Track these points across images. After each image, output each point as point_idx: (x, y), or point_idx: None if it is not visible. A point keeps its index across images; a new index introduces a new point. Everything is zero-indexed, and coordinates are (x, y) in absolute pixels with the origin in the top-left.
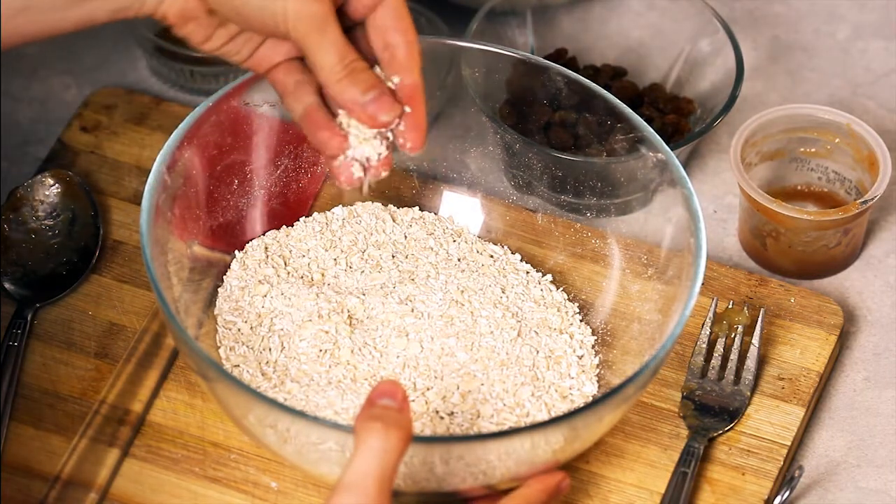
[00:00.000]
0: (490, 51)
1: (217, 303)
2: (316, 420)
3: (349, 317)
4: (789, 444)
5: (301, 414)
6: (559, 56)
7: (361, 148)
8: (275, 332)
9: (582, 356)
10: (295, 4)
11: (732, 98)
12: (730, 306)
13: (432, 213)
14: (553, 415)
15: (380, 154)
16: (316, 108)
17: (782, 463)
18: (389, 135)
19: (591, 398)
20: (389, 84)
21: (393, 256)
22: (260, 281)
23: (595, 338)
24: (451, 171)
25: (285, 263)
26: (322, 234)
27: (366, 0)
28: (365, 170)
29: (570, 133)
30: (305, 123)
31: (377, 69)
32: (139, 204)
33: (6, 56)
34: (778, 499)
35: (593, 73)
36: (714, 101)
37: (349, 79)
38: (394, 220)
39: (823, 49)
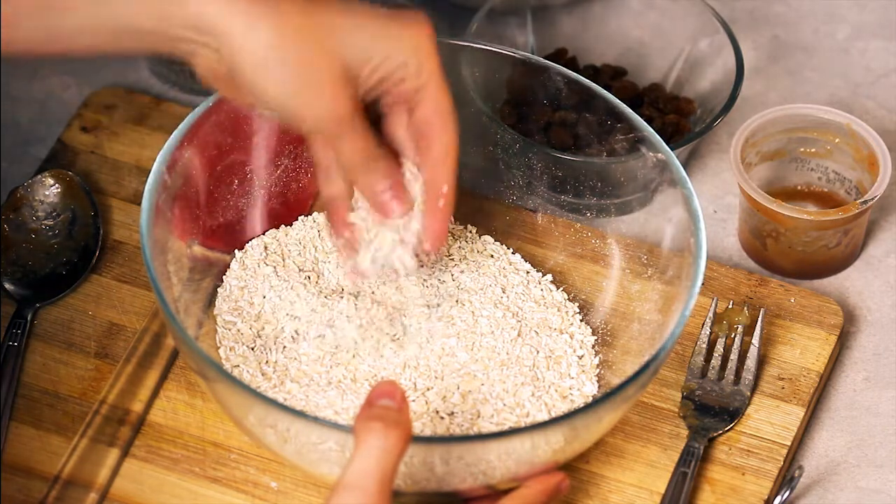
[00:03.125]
0: (490, 51)
1: (217, 303)
2: (316, 420)
3: (349, 317)
4: (789, 444)
5: (301, 414)
6: (559, 56)
7: (382, 251)
8: (275, 332)
9: (582, 356)
10: (314, 111)
11: (732, 98)
12: (730, 306)
13: None
14: (553, 415)
15: (401, 261)
16: (343, 200)
17: (782, 463)
18: (412, 238)
19: (591, 398)
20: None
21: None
22: (259, 281)
23: (595, 338)
24: None
25: (284, 263)
26: (321, 234)
27: (406, 97)
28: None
29: (570, 133)
30: (329, 211)
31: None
32: (139, 204)
33: (6, 56)
34: (778, 499)
35: (593, 73)
36: (714, 101)
37: (367, 170)
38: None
39: (823, 49)
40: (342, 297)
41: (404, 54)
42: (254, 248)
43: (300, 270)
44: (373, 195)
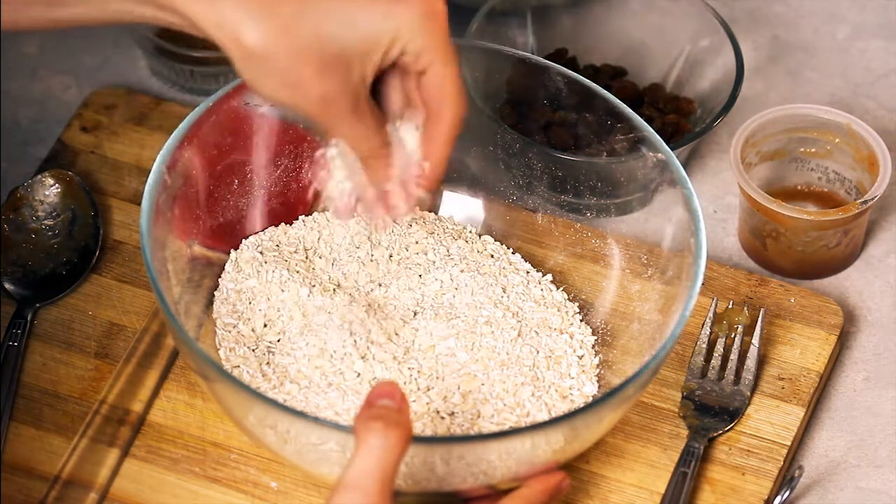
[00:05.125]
0: (490, 51)
1: (216, 304)
2: (316, 420)
3: (349, 317)
4: (789, 444)
5: (301, 414)
6: (559, 56)
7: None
8: (274, 332)
9: (582, 356)
10: (301, 102)
11: (732, 98)
12: (730, 306)
13: (432, 213)
14: (553, 415)
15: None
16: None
17: (782, 463)
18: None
19: (591, 398)
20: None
21: (391, 256)
22: (259, 282)
23: (595, 338)
24: (451, 171)
25: (284, 263)
26: (321, 234)
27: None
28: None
29: (570, 133)
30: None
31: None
32: (139, 204)
33: (6, 56)
34: (778, 499)
35: (593, 73)
36: (714, 101)
37: (372, 163)
38: (394, 220)
39: (823, 49)
40: (342, 298)
41: (405, 35)
42: (249, 247)
43: (298, 271)
44: (379, 189)
